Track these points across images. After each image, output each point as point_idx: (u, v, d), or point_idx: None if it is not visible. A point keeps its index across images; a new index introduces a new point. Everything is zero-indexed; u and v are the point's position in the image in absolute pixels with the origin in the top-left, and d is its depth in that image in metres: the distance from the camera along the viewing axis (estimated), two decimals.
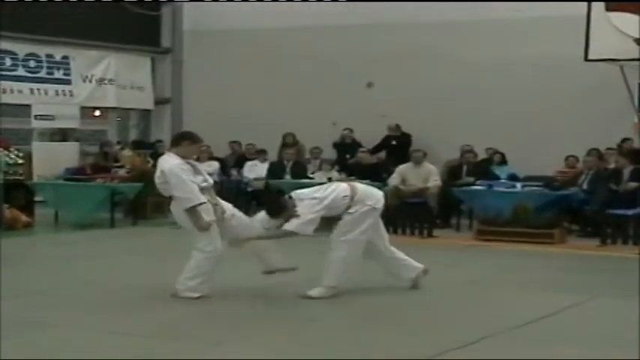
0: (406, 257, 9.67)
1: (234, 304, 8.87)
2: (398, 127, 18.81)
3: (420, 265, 9.67)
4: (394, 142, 18.70)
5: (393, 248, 9.63)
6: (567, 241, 14.07)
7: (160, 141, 20.53)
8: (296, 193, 9.15)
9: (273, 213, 9.09)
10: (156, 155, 19.41)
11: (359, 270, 9.31)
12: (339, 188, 9.27)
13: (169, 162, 8.97)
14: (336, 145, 19.20)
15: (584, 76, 17.05)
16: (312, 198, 9.04)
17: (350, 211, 9.11)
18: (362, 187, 9.52)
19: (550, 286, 10.21)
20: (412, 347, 7.13)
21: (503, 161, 17.31)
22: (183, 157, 9.01)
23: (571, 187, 14.99)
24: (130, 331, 7.64)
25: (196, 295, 8.93)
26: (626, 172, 14.98)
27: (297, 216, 8.91)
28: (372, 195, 9.35)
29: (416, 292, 9.59)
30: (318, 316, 8.39)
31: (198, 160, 10.20)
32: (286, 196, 9.28)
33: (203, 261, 8.98)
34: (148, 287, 9.56)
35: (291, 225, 8.93)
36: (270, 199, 9.72)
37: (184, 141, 9.12)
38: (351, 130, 19.13)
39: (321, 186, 9.43)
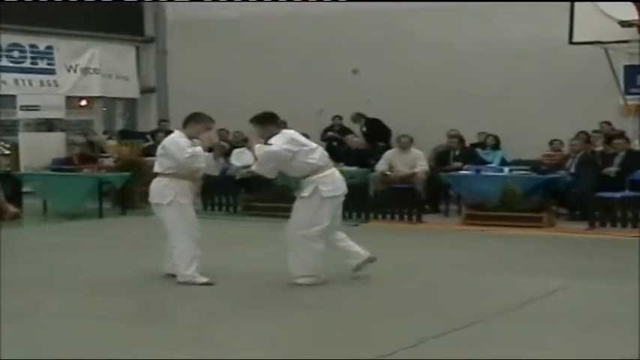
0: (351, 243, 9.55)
1: (223, 289, 8.92)
2: (359, 115, 18.89)
3: (366, 253, 9.53)
4: (364, 129, 18.81)
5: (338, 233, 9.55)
6: (556, 225, 14.09)
7: (164, 120, 20.75)
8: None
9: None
10: (155, 133, 19.74)
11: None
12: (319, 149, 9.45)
13: (171, 136, 9.37)
14: (325, 132, 19.25)
15: (569, 59, 17.09)
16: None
17: (303, 194, 9.13)
18: (332, 171, 9.47)
19: (538, 270, 10.24)
20: (399, 333, 7.13)
21: (497, 145, 17.35)
22: (190, 137, 9.28)
23: (558, 171, 15.02)
24: (116, 318, 7.67)
25: (204, 280, 9.06)
26: (621, 154, 15.06)
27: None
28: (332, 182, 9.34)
29: (404, 277, 9.61)
30: (310, 304, 8.40)
31: None
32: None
33: (191, 246, 9.12)
34: (136, 275, 9.61)
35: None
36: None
37: (190, 122, 9.42)
38: (340, 118, 19.18)
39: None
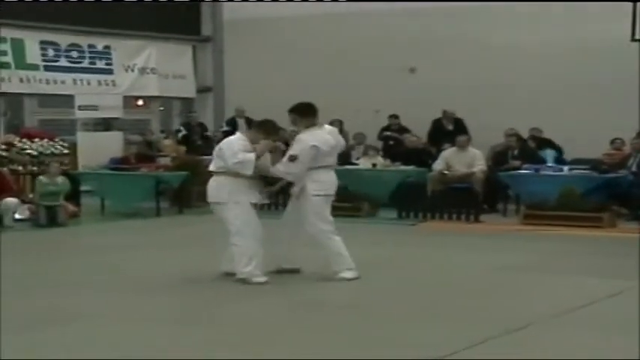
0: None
1: (277, 289, 8.89)
2: (452, 113, 18.71)
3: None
4: (451, 128, 18.53)
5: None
6: (617, 226, 13.84)
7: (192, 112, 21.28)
8: None
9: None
10: (188, 124, 20.14)
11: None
12: None
13: (230, 138, 9.39)
14: (382, 131, 19.14)
15: (630, 57, 16.79)
16: None
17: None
18: None
19: (599, 272, 10.05)
20: (454, 335, 7.03)
21: (551, 144, 17.09)
22: (251, 141, 9.22)
23: (619, 170, 14.76)
24: (168, 317, 7.71)
25: (262, 279, 9.06)
26: None
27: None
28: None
29: (461, 277, 9.51)
30: (363, 304, 8.32)
31: None
32: None
33: (253, 244, 9.08)
34: (191, 274, 9.59)
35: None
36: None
37: (253, 128, 9.52)
38: (396, 117, 19.05)
39: None
